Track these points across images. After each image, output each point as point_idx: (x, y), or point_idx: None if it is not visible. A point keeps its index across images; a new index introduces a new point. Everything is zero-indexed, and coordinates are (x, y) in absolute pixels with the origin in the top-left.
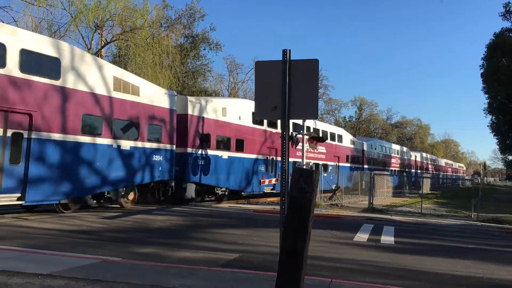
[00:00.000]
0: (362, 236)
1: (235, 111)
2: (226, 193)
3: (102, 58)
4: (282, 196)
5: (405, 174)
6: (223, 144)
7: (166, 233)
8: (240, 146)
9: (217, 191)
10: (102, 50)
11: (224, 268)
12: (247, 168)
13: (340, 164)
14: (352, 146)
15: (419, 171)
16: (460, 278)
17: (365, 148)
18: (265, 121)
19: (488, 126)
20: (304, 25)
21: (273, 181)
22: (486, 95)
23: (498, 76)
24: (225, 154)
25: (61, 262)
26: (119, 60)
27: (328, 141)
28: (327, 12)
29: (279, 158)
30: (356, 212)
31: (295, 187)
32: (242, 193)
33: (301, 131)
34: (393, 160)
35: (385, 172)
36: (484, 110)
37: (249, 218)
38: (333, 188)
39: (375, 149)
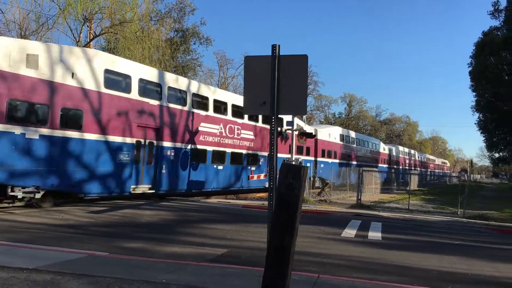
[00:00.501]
0: (349, 232)
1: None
2: (37, 195)
3: None
4: (270, 191)
5: (393, 171)
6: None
7: (154, 228)
8: (73, 121)
9: (13, 192)
10: (91, 43)
11: (212, 263)
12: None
13: (281, 155)
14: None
15: (394, 166)
16: (446, 274)
17: (319, 137)
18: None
19: (475, 123)
20: (295, 20)
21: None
22: (474, 93)
23: (486, 74)
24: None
25: (47, 257)
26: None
27: (258, 124)
28: (320, 7)
29: (167, 144)
30: (344, 208)
31: (283, 183)
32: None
33: (291, 127)
34: (359, 153)
35: (374, 169)
36: (471, 108)
37: (238, 214)
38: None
39: (335, 138)
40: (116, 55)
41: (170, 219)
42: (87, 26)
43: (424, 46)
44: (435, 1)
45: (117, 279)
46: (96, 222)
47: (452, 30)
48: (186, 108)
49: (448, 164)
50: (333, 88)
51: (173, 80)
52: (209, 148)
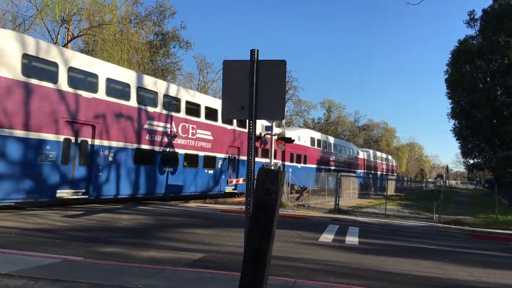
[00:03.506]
0: (327, 237)
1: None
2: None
3: None
4: (247, 196)
5: (370, 176)
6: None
7: (130, 233)
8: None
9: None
10: (69, 44)
11: (189, 268)
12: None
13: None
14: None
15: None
16: (421, 278)
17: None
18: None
19: (451, 130)
20: (277, 26)
21: None
22: (450, 100)
23: (461, 82)
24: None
25: (20, 261)
26: None
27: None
28: (300, 13)
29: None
30: (322, 213)
31: (261, 188)
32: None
33: (270, 132)
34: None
35: (352, 175)
36: (447, 115)
37: (216, 218)
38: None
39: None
40: (93, 57)
41: (148, 224)
42: (65, 27)
43: (402, 53)
44: (414, 10)
45: (92, 284)
46: (71, 226)
47: (430, 38)
48: None
49: (394, 163)
50: (312, 93)
51: None
52: None
